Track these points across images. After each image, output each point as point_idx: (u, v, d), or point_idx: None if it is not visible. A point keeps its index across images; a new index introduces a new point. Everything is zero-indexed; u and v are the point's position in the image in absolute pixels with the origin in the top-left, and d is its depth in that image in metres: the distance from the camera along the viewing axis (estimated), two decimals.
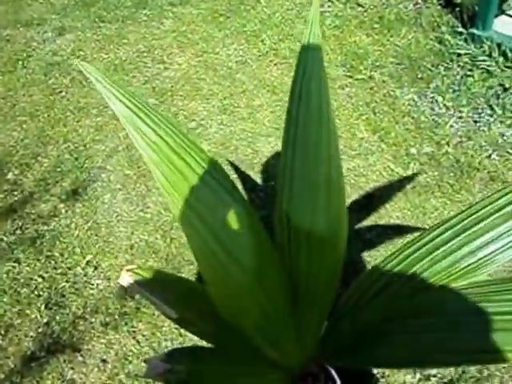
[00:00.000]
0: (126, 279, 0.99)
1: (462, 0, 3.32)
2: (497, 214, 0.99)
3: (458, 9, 3.24)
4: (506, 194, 0.99)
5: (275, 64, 3.29)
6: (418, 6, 3.51)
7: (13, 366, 1.97)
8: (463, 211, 1.03)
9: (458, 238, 1.00)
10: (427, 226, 2.22)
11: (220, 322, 0.98)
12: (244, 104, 2.97)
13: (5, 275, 2.28)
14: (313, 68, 1.00)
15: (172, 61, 3.43)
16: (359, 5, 3.65)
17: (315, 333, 1.14)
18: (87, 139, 2.94)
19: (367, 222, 2.28)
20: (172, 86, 3.18)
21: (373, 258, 2.12)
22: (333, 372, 1.15)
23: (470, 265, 0.98)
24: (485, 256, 0.98)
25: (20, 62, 3.67)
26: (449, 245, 1.00)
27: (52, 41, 3.87)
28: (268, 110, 2.93)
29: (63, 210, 2.54)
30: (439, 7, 3.43)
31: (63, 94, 3.32)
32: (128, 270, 0.99)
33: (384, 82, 2.96)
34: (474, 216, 1.01)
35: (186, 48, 3.54)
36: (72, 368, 1.94)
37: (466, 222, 1.01)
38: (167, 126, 0.97)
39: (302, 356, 1.15)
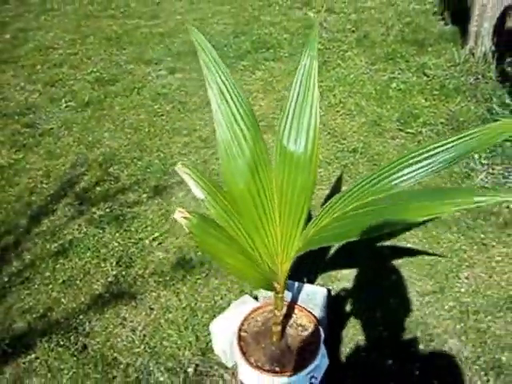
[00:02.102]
0: (181, 171, 1.54)
1: None
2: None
3: (508, 83, 3.66)
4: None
5: (340, 114, 3.83)
6: (478, 80, 3.95)
7: (83, 299, 2.53)
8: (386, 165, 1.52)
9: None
10: (438, 254, 2.59)
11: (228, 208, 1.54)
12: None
13: (91, 237, 2.89)
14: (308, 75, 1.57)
15: (255, 102, 4.06)
16: (425, 75, 4.15)
17: (294, 235, 1.62)
18: (175, 152, 3.58)
19: (384, 241, 2.69)
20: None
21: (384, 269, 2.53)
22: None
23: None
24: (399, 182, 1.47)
25: (136, 90, 4.46)
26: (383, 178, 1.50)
27: (164, 77, 4.65)
28: (324, 148, 3.45)
29: (145, 200, 3.16)
30: (496, 83, 3.85)
31: (164, 117, 4.03)
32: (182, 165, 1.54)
33: (430, 137, 3.41)
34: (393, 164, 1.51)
35: (269, 94, 4.17)
36: (126, 310, 2.47)
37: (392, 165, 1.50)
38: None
39: (285, 254, 1.64)
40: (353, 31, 5.13)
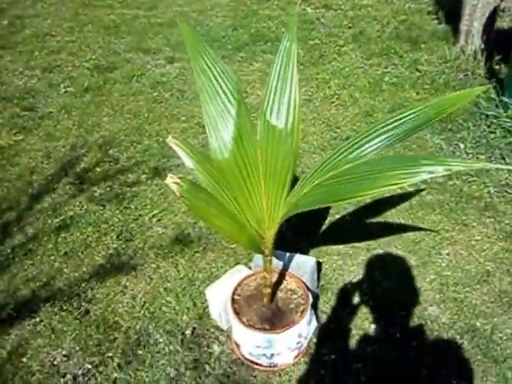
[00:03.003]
0: (172, 143, 1.66)
1: (501, 75, 3.90)
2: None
3: (494, 80, 3.82)
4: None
5: (335, 105, 3.97)
6: (467, 76, 4.13)
7: (85, 270, 2.66)
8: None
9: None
10: (421, 233, 2.74)
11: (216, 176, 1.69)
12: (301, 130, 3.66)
13: (92, 214, 3.02)
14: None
15: (253, 92, 4.20)
16: (418, 70, 4.31)
17: (279, 202, 1.77)
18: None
19: (373, 219, 2.85)
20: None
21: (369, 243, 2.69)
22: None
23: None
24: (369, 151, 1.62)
25: (135, 78, 4.58)
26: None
27: (162, 66, 4.78)
28: (318, 136, 3.59)
29: (144, 180, 3.29)
30: (484, 79, 4.02)
31: (162, 104, 4.16)
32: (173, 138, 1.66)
33: None
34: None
35: (266, 84, 4.30)
36: (126, 279, 2.60)
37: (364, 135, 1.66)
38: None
39: (271, 220, 1.78)
40: (349, 27, 5.28)
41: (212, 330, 2.27)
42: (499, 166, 3.10)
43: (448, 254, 2.58)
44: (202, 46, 1.79)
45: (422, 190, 3.03)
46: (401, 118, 1.65)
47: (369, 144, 1.67)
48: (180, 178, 1.50)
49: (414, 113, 1.65)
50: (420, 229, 2.76)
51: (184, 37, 1.79)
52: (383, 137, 1.65)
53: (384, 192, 1.44)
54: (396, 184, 1.41)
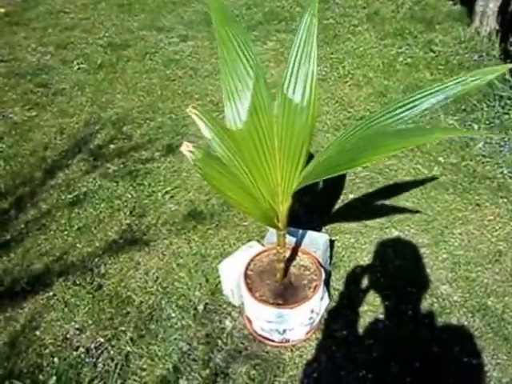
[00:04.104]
0: (191, 112, 1.67)
1: None
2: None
3: (509, 61, 3.78)
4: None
5: (349, 85, 3.95)
6: (482, 57, 4.09)
7: (98, 245, 2.68)
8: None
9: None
10: (434, 212, 2.74)
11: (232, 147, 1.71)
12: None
13: (105, 190, 3.03)
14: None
15: (266, 71, 4.17)
16: (432, 51, 4.26)
17: (293, 176, 1.77)
18: (186, 114, 3.63)
19: (386, 199, 2.84)
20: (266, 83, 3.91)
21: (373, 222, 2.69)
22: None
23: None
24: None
25: (148, 55, 4.57)
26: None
27: (176, 44, 4.76)
28: (332, 115, 3.58)
29: (157, 157, 3.30)
30: (499, 60, 3.98)
31: (175, 81, 4.15)
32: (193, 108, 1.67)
33: None
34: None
35: (280, 63, 4.29)
36: (139, 254, 2.61)
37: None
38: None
39: (285, 194, 1.79)
40: (364, 7, 5.23)
41: (224, 305, 2.29)
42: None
43: (460, 234, 2.58)
44: (228, 15, 1.79)
45: (435, 170, 3.01)
46: (417, 99, 1.64)
47: (382, 123, 1.66)
48: (195, 146, 1.50)
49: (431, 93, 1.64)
50: (433, 208, 2.75)
51: (211, 4, 1.79)
52: (397, 117, 1.64)
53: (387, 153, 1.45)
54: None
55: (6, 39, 5.02)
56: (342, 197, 2.88)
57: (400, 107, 1.65)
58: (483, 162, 3.05)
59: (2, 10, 5.63)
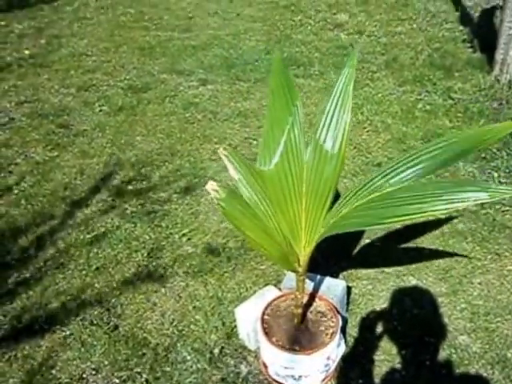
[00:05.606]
0: (221, 153, 1.73)
1: None
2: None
3: None
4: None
5: (367, 131, 3.99)
6: (502, 105, 4.11)
7: (115, 285, 2.69)
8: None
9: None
10: (452, 261, 2.72)
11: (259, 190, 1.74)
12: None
13: (123, 230, 3.06)
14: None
15: None
16: (451, 98, 4.31)
17: (318, 221, 1.79)
18: (205, 157, 3.76)
19: (404, 245, 2.84)
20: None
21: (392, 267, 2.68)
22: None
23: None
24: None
25: (167, 98, 4.66)
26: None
27: (195, 88, 4.85)
28: (350, 161, 3.61)
29: (175, 199, 3.33)
30: None
31: (195, 124, 4.22)
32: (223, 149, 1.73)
33: None
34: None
35: None
36: (156, 296, 2.62)
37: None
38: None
39: (308, 239, 1.80)
40: (382, 54, 5.31)
41: (240, 349, 2.28)
42: None
43: (480, 283, 2.55)
44: (284, 70, 1.95)
45: (454, 218, 3.01)
46: (438, 148, 1.67)
47: (406, 172, 1.70)
48: (220, 186, 1.54)
49: (449, 144, 1.66)
50: (451, 256, 2.74)
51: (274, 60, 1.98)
52: (420, 166, 1.68)
53: (427, 216, 1.46)
54: (441, 210, 1.43)
55: (30, 80, 5.15)
56: (358, 242, 2.88)
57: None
58: (503, 211, 3.04)
59: (27, 52, 5.79)
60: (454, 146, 1.67)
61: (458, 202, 1.45)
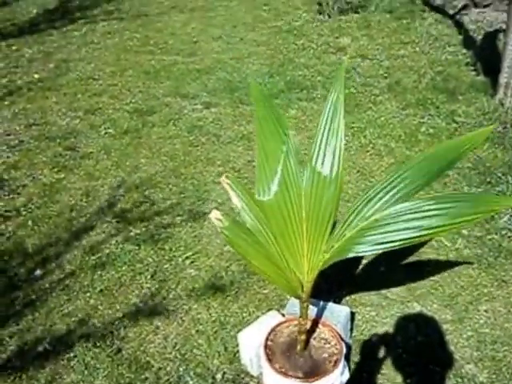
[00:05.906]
0: (224, 182, 1.74)
1: None
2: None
3: None
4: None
5: (370, 154, 4.01)
6: (506, 129, 4.11)
7: (119, 308, 2.70)
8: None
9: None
10: (458, 287, 2.71)
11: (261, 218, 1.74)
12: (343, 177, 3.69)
13: (128, 253, 3.07)
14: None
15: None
16: (455, 121, 4.32)
17: (319, 247, 1.79)
18: (209, 180, 3.78)
19: (408, 270, 2.83)
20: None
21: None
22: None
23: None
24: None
25: (172, 121, 4.69)
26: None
27: (199, 111, 4.89)
28: (353, 184, 3.62)
29: (179, 222, 3.34)
30: None
31: (198, 147, 4.25)
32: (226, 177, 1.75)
33: (456, 179, 3.55)
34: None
35: (301, 131, 4.37)
36: (159, 319, 2.62)
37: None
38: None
39: (311, 265, 1.80)
40: (385, 77, 5.34)
41: (242, 375, 2.27)
42: None
43: (486, 311, 2.54)
44: (266, 98, 1.94)
45: (459, 243, 3.00)
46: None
47: (400, 191, 1.73)
48: (223, 215, 1.55)
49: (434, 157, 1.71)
50: (456, 283, 2.73)
51: (252, 90, 1.96)
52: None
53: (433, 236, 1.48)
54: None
55: (38, 104, 5.19)
56: (362, 267, 2.88)
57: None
58: (509, 237, 3.03)
59: (36, 76, 5.86)
60: (439, 158, 1.69)
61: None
